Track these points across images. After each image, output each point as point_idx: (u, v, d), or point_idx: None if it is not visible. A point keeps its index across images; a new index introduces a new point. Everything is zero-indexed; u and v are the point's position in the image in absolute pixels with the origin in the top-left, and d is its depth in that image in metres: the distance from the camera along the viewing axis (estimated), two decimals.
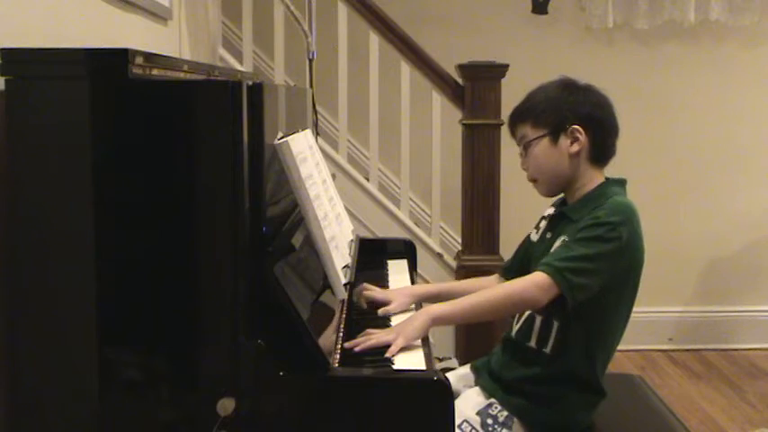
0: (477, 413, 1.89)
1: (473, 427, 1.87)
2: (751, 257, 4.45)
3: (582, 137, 1.93)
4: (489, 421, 1.88)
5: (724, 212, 4.41)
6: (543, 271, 1.80)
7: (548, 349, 1.90)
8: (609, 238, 1.82)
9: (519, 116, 2.00)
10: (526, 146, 1.97)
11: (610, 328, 1.93)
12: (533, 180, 2.01)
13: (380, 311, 1.95)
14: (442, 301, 2.23)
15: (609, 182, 1.98)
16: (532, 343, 1.92)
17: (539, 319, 1.92)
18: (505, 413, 1.89)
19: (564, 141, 1.93)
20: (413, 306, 2.05)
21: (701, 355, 4.31)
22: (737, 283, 4.45)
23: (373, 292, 2.03)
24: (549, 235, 1.99)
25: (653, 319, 4.40)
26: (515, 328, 1.98)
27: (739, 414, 3.54)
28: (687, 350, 4.36)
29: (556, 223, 1.99)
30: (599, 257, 1.81)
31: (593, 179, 1.97)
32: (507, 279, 2.06)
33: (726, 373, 4.05)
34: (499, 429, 1.88)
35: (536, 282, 1.79)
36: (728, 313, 4.42)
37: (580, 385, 1.91)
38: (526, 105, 2.00)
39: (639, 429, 2.07)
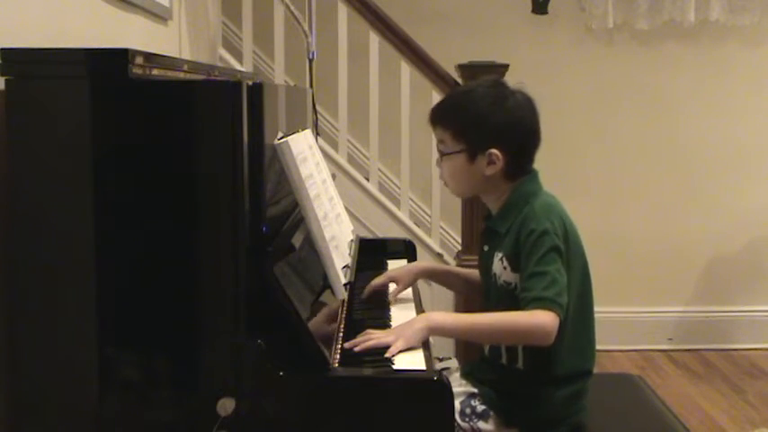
0: (460, 402, 1.91)
1: None
2: (751, 257, 4.45)
3: (499, 161, 1.89)
4: (468, 411, 1.91)
5: (724, 212, 4.41)
6: (541, 308, 1.76)
7: (519, 364, 1.91)
8: (556, 246, 1.82)
9: (441, 118, 1.96)
10: (442, 153, 1.96)
11: (572, 322, 1.89)
12: (445, 183, 2.02)
13: (390, 295, 2.08)
14: (445, 280, 2.28)
15: (520, 183, 1.94)
16: (503, 360, 1.93)
17: None
18: (484, 406, 1.91)
19: (481, 161, 1.90)
20: (413, 309, 2.07)
21: (700, 355, 4.31)
22: (737, 283, 4.45)
23: (376, 280, 2.13)
24: (486, 248, 2.00)
25: (653, 319, 4.40)
26: (486, 348, 2.00)
27: (739, 414, 3.54)
28: (687, 350, 4.35)
29: (488, 237, 2.00)
30: (562, 268, 1.81)
31: (507, 189, 1.94)
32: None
33: (726, 373, 4.05)
34: (475, 420, 1.90)
35: (544, 323, 1.75)
36: (728, 313, 4.42)
37: (561, 382, 1.91)
38: (451, 111, 1.97)
39: (639, 429, 2.07)
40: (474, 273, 2.22)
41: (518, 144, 1.92)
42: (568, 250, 1.86)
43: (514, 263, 1.86)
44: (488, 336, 1.87)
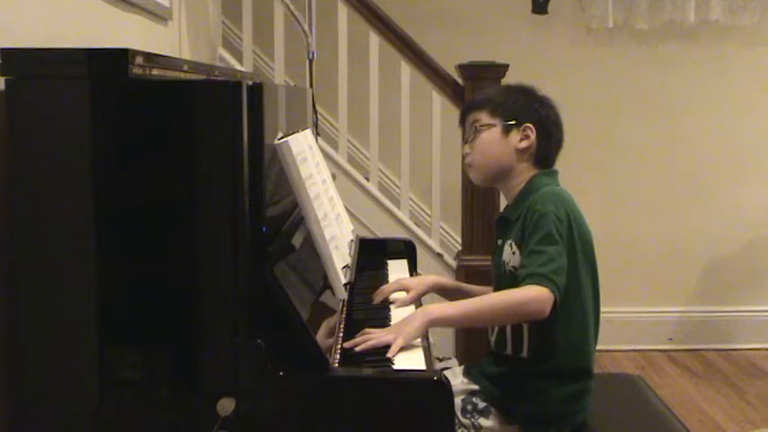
0: (462, 399, 1.92)
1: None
2: (751, 257, 4.45)
3: (532, 135, 1.99)
4: (469, 407, 1.92)
5: (724, 212, 4.40)
6: (535, 283, 1.79)
7: (524, 353, 1.92)
8: (558, 228, 1.85)
9: (476, 104, 2.06)
10: (476, 130, 2.02)
11: (577, 314, 1.91)
12: (469, 165, 2.06)
13: (398, 302, 2.05)
14: (453, 296, 2.30)
15: (537, 175, 2.01)
16: (509, 350, 1.95)
17: (509, 328, 1.95)
18: (486, 403, 1.93)
19: (514, 136, 2.00)
20: (412, 306, 2.07)
21: (701, 355, 4.31)
22: (737, 283, 4.45)
23: (387, 287, 2.12)
24: (499, 242, 2.03)
25: (653, 319, 4.40)
26: (492, 339, 2.01)
27: (739, 414, 3.54)
28: (687, 350, 4.35)
29: (501, 228, 2.05)
30: (564, 250, 1.84)
31: (527, 178, 2.01)
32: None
33: (726, 373, 4.05)
34: (477, 417, 1.92)
35: (536, 296, 1.78)
36: (728, 313, 4.42)
37: (562, 378, 1.92)
38: (485, 96, 2.08)
39: (639, 429, 2.07)
40: (485, 290, 2.22)
41: (548, 128, 2.02)
42: (574, 243, 1.88)
43: (521, 247, 1.89)
44: (486, 317, 1.87)
